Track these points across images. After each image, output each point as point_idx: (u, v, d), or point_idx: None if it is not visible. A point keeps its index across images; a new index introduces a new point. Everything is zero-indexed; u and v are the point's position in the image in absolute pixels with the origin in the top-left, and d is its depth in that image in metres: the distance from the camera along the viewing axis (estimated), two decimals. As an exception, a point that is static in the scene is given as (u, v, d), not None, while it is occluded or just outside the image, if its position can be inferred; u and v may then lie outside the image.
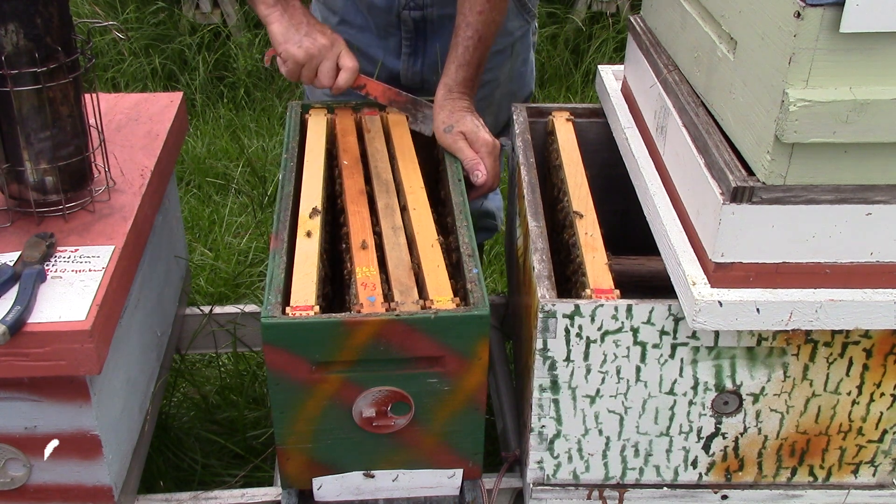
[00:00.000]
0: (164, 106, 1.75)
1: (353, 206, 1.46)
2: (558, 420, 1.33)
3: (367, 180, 1.54)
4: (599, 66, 1.77)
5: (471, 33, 1.61)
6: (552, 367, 1.28)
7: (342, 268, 1.43)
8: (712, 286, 1.16)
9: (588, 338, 1.25)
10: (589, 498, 1.40)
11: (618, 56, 3.92)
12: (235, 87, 3.88)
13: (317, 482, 1.36)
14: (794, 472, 1.39)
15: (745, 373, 1.28)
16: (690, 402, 1.31)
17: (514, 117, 1.70)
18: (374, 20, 1.83)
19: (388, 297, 1.28)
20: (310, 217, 1.42)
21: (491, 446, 1.61)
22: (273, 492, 1.48)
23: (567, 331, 1.25)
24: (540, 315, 1.24)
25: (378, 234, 1.41)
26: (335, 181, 1.58)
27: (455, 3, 1.64)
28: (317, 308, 1.23)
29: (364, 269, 1.32)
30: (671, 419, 1.33)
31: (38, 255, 1.30)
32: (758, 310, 1.15)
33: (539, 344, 1.26)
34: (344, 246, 1.43)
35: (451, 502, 1.41)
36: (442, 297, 1.26)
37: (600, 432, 1.35)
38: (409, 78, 1.87)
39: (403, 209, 1.46)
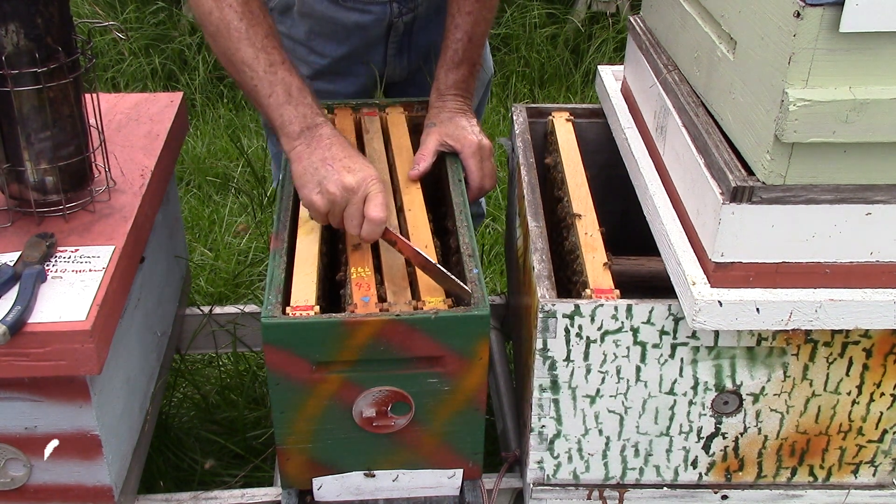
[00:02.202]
0: (164, 106, 1.75)
1: None
2: (558, 420, 1.33)
3: None
4: (599, 67, 1.77)
5: (460, 35, 1.60)
6: (552, 367, 1.28)
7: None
8: (712, 286, 1.17)
9: (588, 338, 1.25)
10: (589, 498, 1.40)
11: (618, 56, 3.92)
12: (235, 87, 3.88)
13: (317, 482, 1.36)
14: (794, 472, 1.39)
15: (744, 373, 1.28)
16: (690, 402, 1.31)
17: (514, 117, 1.70)
18: (353, 42, 1.78)
19: (381, 297, 1.28)
20: (310, 217, 1.42)
21: (491, 446, 1.61)
22: (273, 492, 1.48)
23: (567, 331, 1.25)
24: (540, 315, 1.24)
25: None
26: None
27: None
28: (317, 308, 1.23)
29: (359, 270, 1.32)
30: (671, 419, 1.33)
31: (39, 255, 1.30)
32: (758, 309, 1.15)
33: (539, 344, 1.26)
34: (340, 246, 1.43)
35: (451, 502, 1.41)
36: (434, 297, 1.27)
37: (600, 432, 1.35)
38: (397, 75, 1.86)
39: (399, 210, 1.46)
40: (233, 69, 1.43)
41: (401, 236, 1.35)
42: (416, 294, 1.29)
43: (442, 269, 1.28)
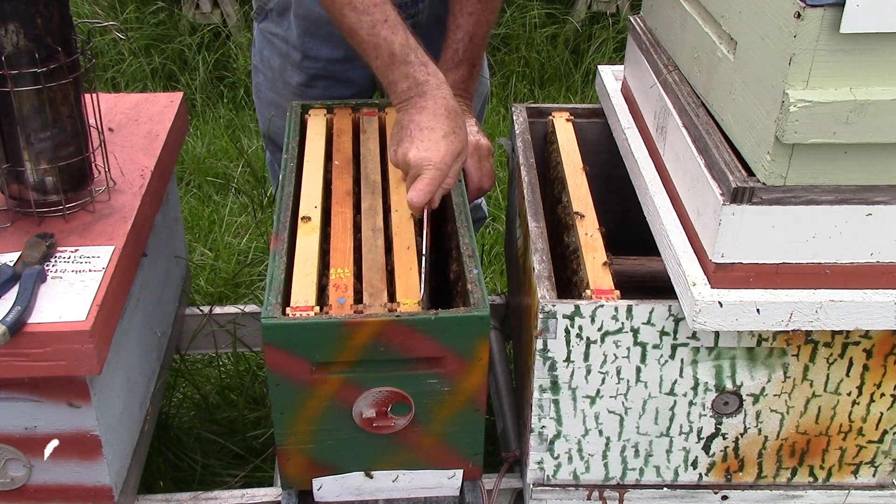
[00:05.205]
0: (164, 106, 1.75)
1: (336, 207, 1.46)
2: (558, 420, 1.33)
3: (358, 181, 1.54)
4: (599, 67, 1.77)
5: (461, 35, 1.60)
6: (552, 367, 1.28)
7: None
8: (712, 287, 1.16)
9: (588, 338, 1.25)
10: (589, 498, 1.40)
11: (618, 56, 3.92)
12: (235, 87, 3.88)
13: (317, 483, 1.36)
14: (794, 473, 1.39)
15: (745, 373, 1.28)
16: (690, 403, 1.31)
17: (514, 117, 1.70)
18: (348, 45, 1.73)
19: (358, 299, 1.28)
20: (309, 218, 1.42)
21: (491, 446, 1.61)
22: (273, 492, 1.48)
23: (567, 331, 1.25)
24: (540, 315, 1.24)
25: (359, 236, 1.41)
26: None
27: (444, 3, 1.63)
28: (317, 308, 1.23)
29: (338, 271, 1.32)
30: (671, 420, 1.33)
31: (39, 256, 1.30)
32: (758, 310, 1.15)
33: (539, 344, 1.26)
34: (325, 247, 1.43)
35: (451, 503, 1.41)
36: (409, 299, 1.26)
37: (600, 433, 1.35)
38: None
39: (388, 211, 1.46)
40: (348, 40, 1.47)
41: (427, 228, 1.37)
42: (392, 296, 1.29)
43: (421, 273, 1.29)
